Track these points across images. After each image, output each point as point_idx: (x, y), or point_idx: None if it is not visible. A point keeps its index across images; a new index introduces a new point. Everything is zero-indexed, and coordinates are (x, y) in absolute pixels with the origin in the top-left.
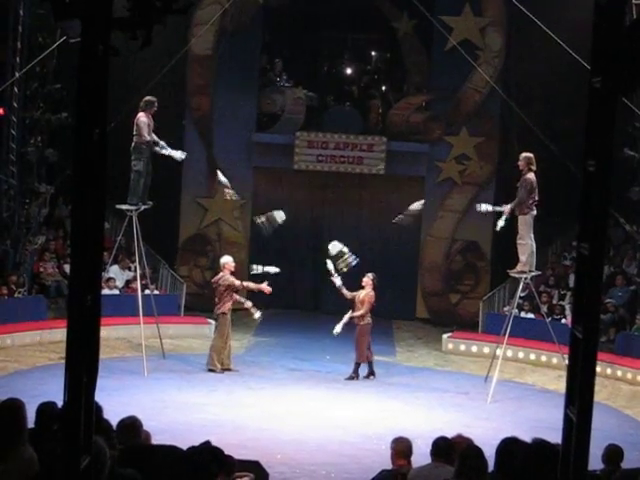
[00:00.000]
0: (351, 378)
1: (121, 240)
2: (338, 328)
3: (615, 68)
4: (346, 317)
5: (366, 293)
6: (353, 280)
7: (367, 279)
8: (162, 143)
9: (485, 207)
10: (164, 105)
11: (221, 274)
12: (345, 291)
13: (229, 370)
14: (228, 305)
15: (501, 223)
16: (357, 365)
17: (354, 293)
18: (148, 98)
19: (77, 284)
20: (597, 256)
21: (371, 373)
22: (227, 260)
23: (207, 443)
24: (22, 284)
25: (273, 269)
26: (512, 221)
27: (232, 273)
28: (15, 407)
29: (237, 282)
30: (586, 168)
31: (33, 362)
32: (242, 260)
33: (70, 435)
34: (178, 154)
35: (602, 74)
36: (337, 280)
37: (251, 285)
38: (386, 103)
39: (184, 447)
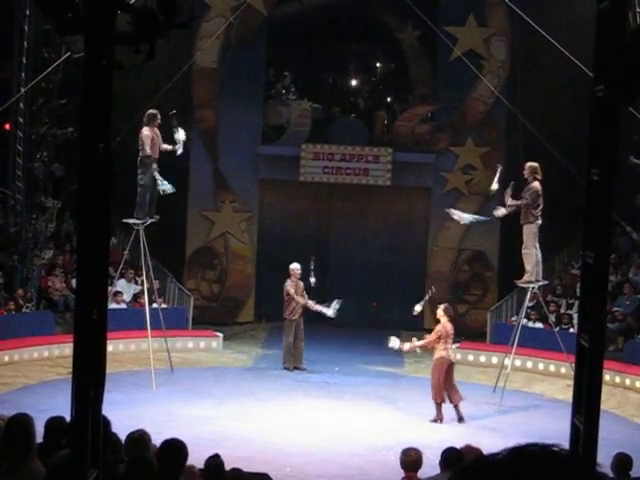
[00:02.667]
0: (434, 421)
1: (128, 254)
2: (395, 342)
3: (617, 77)
4: (415, 341)
5: (441, 325)
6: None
7: (439, 311)
8: (170, 148)
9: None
10: (169, 119)
11: (287, 281)
12: (422, 342)
13: (298, 369)
14: (288, 310)
15: (495, 186)
16: (438, 405)
17: (430, 337)
18: (150, 112)
19: (83, 298)
20: (602, 264)
21: (459, 418)
22: (293, 267)
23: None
24: (30, 299)
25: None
26: (518, 230)
27: (300, 279)
28: (24, 422)
29: (292, 291)
30: (590, 177)
31: (41, 377)
32: (249, 273)
33: (77, 449)
34: (179, 143)
35: (605, 83)
36: (406, 346)
37: (300, 300)
38: (391, 114)
39: (192, 461)
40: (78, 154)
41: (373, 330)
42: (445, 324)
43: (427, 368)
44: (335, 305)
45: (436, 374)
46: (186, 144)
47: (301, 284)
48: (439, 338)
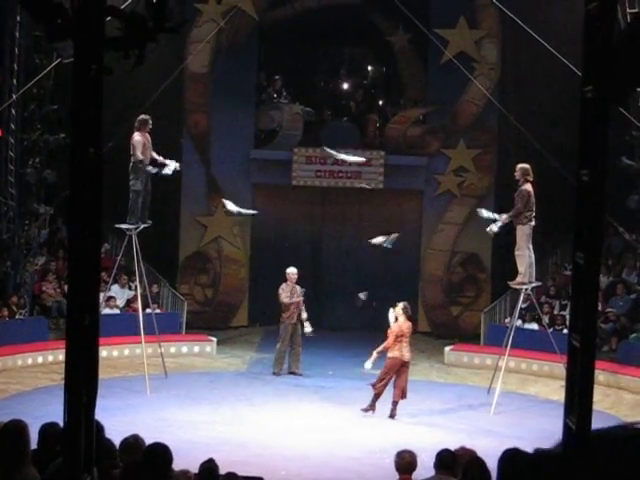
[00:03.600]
0: (366, 410)
1: (121, 259)
2: (368, 364)
3: (606, 77)
4: (374, 352)
5: (396, 324)
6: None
7: (398, 309)
8: (160, 160)
9: (486, 213)
10: (161, 124)
11: (283, 285)
12: (381, 348)
13: (295, 374)
14: (286, 314)
15: (494, 228)
16: (375, 396)
17: (388, 339)
18: (142, 117)
19: (75, 304)
20: (593, 265)
21: (391, 415)
22: (289, 271)
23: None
24: (23, 305)
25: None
26: (511, 232)
27: (297, 282)
28: (19, 429)
29: (282, 295)
30: (580, 177)
31: (35, 383)
32: (242, 277)
33: (71, 455)
34: (172, 167)
35: (593, 83)
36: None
37: (285, 300)
38: (383, 117)
39: (188, 465)
40: (69, 160)
41: (367, 333)
42: (401, 324)
43: (423, 370)
44: (310, 329)
45: (387, 373)
46: (178, 149)
47: (297, 288)
48: (395, 338)
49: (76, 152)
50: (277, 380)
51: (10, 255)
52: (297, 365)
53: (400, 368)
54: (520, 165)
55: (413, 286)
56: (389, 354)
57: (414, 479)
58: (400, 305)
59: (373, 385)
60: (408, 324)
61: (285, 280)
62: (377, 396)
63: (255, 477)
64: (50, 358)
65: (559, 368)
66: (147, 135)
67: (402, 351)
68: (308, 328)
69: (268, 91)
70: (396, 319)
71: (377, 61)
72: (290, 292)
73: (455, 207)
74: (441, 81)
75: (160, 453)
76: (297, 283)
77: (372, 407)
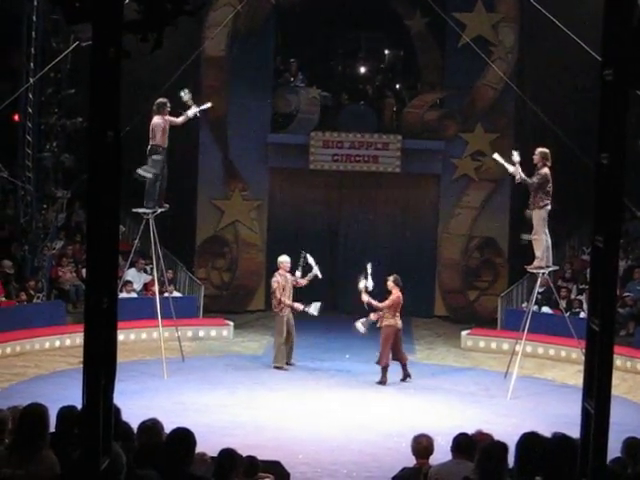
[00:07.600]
0: (380, 383)
1: (138, 244)
2: (360, 326)
3: (626, 60)
4: (371, 315)
5: (395, 295)
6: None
7: (390, 282)
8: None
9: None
10: (178, 107)
11: (276, 274)
12: (376, 303)
13: (289, 364)
14: (278, 307)
15: (517, 177)
16: (384, 369)
17: (385, 302)
18: (160, 100)
19: (93, 287)
20: (612, 248)
21: (406, 376)
22: (281, 260)
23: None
24: (40, 289)
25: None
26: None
27: (289, 272)
28: (39, 412)
29: (275, 286)
30: (599, 161)
31: (53, 367)
32: (259, 261)
33: (89, 437)
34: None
35: (613, 66)
36: (365, 296)
37: (279, 296)
38: (400, 101)
39: (205, 449)
40: (87, 143)
41: None
42: (399, 295)
43: (439, 355)
44: (316, 305)
45: (387, 342)
46: (195, 134)
47: (289, 277)
48: (392, 306)
49: (94, 136)
50: (294, 364)
51: (27, 239)
52: (291, 355)
53: (395, 335)
54: (540, 149)
55: (430, 270)
56: (385, 322)
57: (431, 463)
58: (391, 278)
59: (379, 362)
60: (401, 295)
61: (277, 269)
62: (385, 368)
63: (272, 460)
64: (68, 342)
65: (576, 353)
66: (166, 118)
67: (396, 319)
68: (312, 309)
69: (285, 75)
70: (390, 292)
71: (394, 45)
72: (283, 283)
73: (472, 191)
74: (458, 65)
75: (185, 438)
76: (313, 265)
77: (384, 379)
